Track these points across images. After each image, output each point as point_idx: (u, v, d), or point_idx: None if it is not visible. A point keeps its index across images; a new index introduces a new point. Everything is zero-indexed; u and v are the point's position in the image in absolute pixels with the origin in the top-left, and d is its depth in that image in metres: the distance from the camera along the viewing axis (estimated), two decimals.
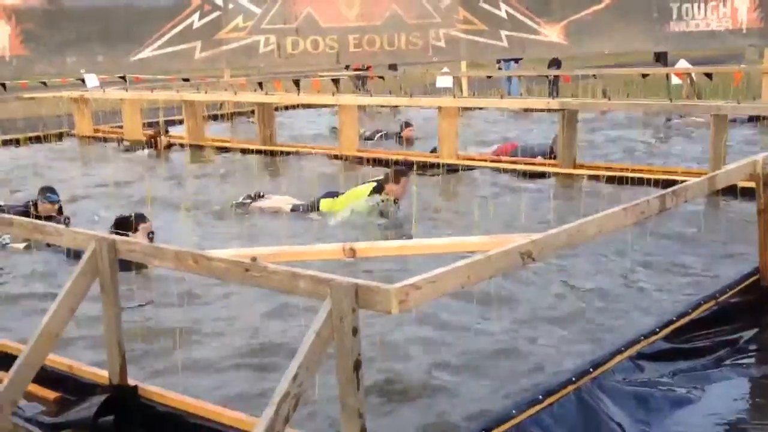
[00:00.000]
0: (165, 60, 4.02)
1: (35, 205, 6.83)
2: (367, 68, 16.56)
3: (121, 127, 12.54)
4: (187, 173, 9.59)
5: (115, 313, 3.35)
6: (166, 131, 11.37)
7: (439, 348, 4.12)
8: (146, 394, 3.41)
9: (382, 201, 6.87)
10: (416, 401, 3.58)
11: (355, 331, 2.65)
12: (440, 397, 3.60)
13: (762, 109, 10.49)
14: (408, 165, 8.37)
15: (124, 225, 5.54)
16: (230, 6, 4.05)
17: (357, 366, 2.62)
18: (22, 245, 6.25)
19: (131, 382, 3.42)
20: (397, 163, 9.18)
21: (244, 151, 10.70)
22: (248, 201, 7.47)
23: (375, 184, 7.03)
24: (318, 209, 7.11)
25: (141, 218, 5.72)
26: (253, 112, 11.66)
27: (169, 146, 11.12)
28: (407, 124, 11.83)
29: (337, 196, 7.20)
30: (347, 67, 16.67)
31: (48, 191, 7.02)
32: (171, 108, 12.98)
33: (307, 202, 7.28)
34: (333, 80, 15.64)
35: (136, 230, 5.57)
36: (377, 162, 9.48)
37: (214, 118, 13.88)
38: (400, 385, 3.71)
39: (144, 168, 9.86)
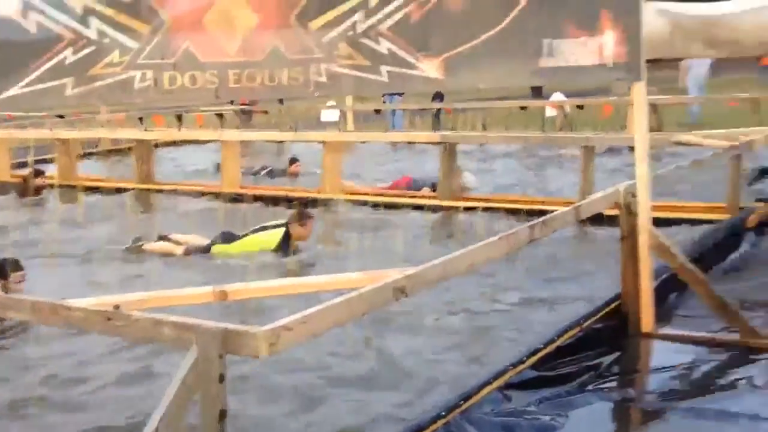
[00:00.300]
0: (34, 97, 3.88)
1: None
2: (253, 103, 16.52)
3: None
4: (58, 217, 9.15)
5: None
6: (42, 173, 10.84)
7: (306, 382, 4.11)
8: None
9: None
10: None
11: (221, 377, 2.62)
12: None
13: (627, 139, 11.06)
14: (303, 203, 8.20)
15: None
16: (105, 41, 3.97)
17: (222, 415, 2.58)
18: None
19: None
20: (288, 200, 9.14)
21: (119, 190, 10.38)
22: (139, 243, 7.19)
23: (283, 229, 6.90)
24: (206, 252, 6.92)
25: (13, 265, 5.49)
26: (130, 149, 11.40)
27: (40, 189, 10.51)
28: (293, 160, 11.81)
29: (231, 240, 6.98)
30: (232, 102, 16.58)
31: None
32: (43, 147, 12.51)
33: (202, 244, 7.06)
34: (217, 115, 15.55)
35: (6, 278, 5.34)
36: (260, 199, 9.43)
37: (89, 155, 13.44)
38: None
39: (12, 214, 9.39)
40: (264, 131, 12.90)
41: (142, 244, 7.19)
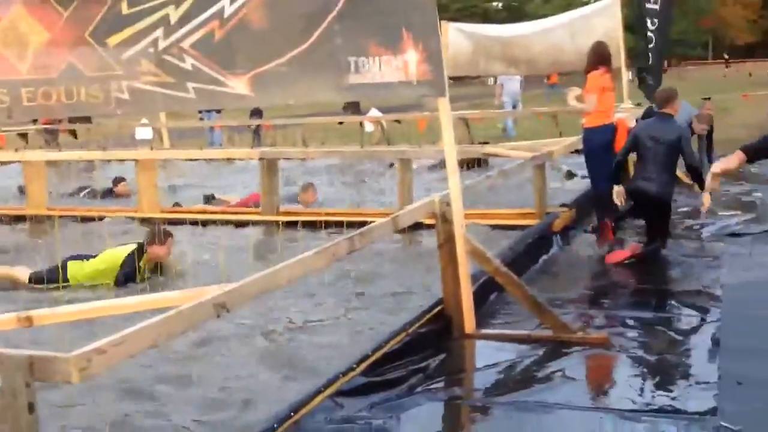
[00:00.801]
0: None
1: None
2: (59, 121, 15.63)
3: None
4: None
5: None
6: None
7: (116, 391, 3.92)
8: None
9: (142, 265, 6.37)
10: None
11: (31, 407, 2.42)
12: None
13: (441, 152, 11.51)
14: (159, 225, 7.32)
15: None
16: None
17: None
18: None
19: None
20: (101, 218, 8.69)
21: None
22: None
23: (135, 245, 6.47)
24: (65, 276, 6.30)
25: None
26: None
27: None
28: (120, 179, 11.13)
29: (87, 259, 6.47)
30: (35, 121, 15.60)
31: None
32: None
33: (49, 268, 6.44)
34: (20, 135, 14.57)
35: None
36: (66, 218, 8.92)
37: None
38: None
39: None
40: (71, 151, 12.20)
41: None
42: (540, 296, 5.02)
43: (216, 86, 4.53)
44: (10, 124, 14.20)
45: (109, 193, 11.04)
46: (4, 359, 2.42)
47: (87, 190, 11.19)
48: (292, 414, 3.47)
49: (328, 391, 3.81)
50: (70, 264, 6.39)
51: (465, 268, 4.95)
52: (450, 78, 4.96)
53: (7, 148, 12.96)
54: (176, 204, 9.90)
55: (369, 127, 16.86)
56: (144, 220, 8.73)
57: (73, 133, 16.12)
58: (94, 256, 6.50)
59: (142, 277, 6.36)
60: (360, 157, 11.62)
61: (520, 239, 6.77)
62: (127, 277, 6.31)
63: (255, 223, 8.47)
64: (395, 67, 4.68)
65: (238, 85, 4.57)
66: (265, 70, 4.59)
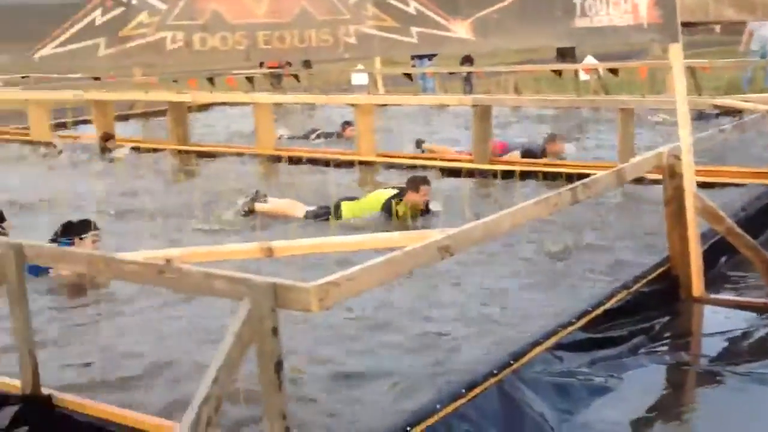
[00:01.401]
0: (67, 58, 3.86)
1: None
2: (284, 65, 16.42)
3: (26, 128, 12.09)
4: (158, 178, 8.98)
5: (24, 320, 3.19)
6: (111, 136, 10.63)
7: (357, 341, 4.08)
8: (62, 403, 3.26)
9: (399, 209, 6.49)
10: (336, 395, 3.53)
11: (275, 331, 2.59)
12: (362, 393, 3.56)
13: (666, 102, 10.86)
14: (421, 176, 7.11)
15: (71, 230, 5.37)
16: (133, 1, 3.93)
17: (279, 367, 2.56)
18: None
19: (45, 391, 3.26)
20: (339, 165, 9.05)
21: (155, 151, 10.41)
22: (246, 207, 6.87)
23: (393, 191, 6.64)
24: (337, 214, 6.59)
25: (89, 225, 5.47)
26: (165, 111, 11.41)
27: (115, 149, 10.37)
28: (348, 123, 11.30)
29: (357, 200, 6.76)
30: (261, 65, 16.50)
31: None
32: (79, 108, 12.58)
33: (322, 207, 6.73)
34: (247, 78, 15.50)
35: (82, 238, 5.32)
36: (296, 161, 9.40)
37: (125, 118, 13.54)
38: (317, 381, 3.66)
39: (102, 174, 9.17)
40: (295, 94, 12.80)
41: (253, 204, 6.88)
42: None
43: (439, 30, 4.51)
44: (238, 68, 15.15)
45: (337, 136, 11.32)
46: (252, 286, 2.59)
47: (317, 132, 11.54)
48: (511, 362, 3.47)
49: (547, 344, 3.76)
50: (344, 204, 6.70)
51: (694, 227, 4.67)
52: None
53: (237, 91, 13.81)
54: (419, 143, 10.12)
55: (584, 75, 16.23)
56: (362, 163, 9.01)
57: (296, 77, 16.88)
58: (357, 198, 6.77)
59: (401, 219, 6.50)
60: (576, 106, 11.23)
61: (755, 199, 6.28)
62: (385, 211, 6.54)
63: (468, 171, 8.44)
64: (624, 9, 4.44)
65: (461, 29, 4.52)
66: (488, 13, 4.49)
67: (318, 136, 11.34)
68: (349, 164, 9.12)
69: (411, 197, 6.57)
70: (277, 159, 9.65)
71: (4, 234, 6.12)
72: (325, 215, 6.61)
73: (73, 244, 5.26)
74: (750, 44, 16.76)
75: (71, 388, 3.54)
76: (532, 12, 4.46)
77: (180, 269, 2.79)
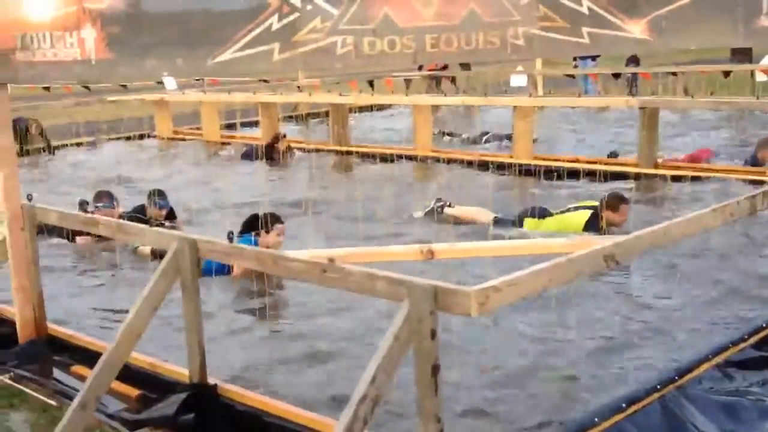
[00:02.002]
0: (245, 62, 4.08)
1: (143, 209, 6.55)
2: (443, 68, 16.49)
3: (199, 128, 12.85)
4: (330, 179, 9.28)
5: (196, 311, 3.39)
6: (284, 136, 10.93)
7: (516, 354, 4.05)
8: (226, 392, 3.45)
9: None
10: (492, 407, 3.51)
11: (433, 333, 2.61)
12: (519, 405, 3.53)
13: None
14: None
15: (255, 224, 5.52)
16: (308, 7, 4.08)
17: (435, 370, 2.58)
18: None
19: (211, 380, 3.46)
20: (480, 163, 8.97)
21: (318, 151, 10.71)
22: (439, 207, 6.86)
23: (591, 212, 6.21)
24: (519, 226, 6.37)
25: (275, 218, 5.60)
26: (327, 113, 11.77)
27: (285, 152, 10.62)
28: None
29: (544, 216, 6.42)
30: (420, 68, 16.65)
31: (157, 196, 6.60)
32: (247, 110, 13.22)
33: (508, 216, 6.57)
34: (405, 80, 15.71)
35: (268, 231, 5.48)
36: (452, 162, 9.43)
37: (289, 119, 14.10)
38: (468, 390, 3.65)
39: (274, 176, 9.61)
40: (454, 96, 12.83)
41: (442, 208, 6.85)
42: None
43: (612, 30, 4.37)
44: (398, 71, 15.36)
45: (508, 138, 10.88)
46: (413, 287, 2.62)
47: (488, 135, 11.37)
48: (676, 378, 3.32)
49: (715, 360, 3.57)
50: (527, 220, 6.42)
51: None
52: None
53: (395, 93, 14.02)
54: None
55: (761, 76, 15.21)
56: (518, 166, 8.90)
57: (453, 80, 16.92)
58: (551, 214, 6.45)
59: None
60: (754, 109, 10.57)
61: None
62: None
63: (635, 175, 8.13)
64: None
65: (636, 28, 4.36)
66: (666, 11, 4.31)
67: (488, 140, 11.09)
68: (506, 167, 9.03)
69: (610, 217, 6.08)
70: (435, 160, 9.72)
71: (170, 218, 6.50)
72: (512, 226, 6.37)
73: (258, 236, 5.41)
74: None
75: (236, 379, 3.72)
76: (713, 8, 4.25)
77: (342, 269, 2.87)
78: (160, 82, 11.98)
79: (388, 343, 2.62)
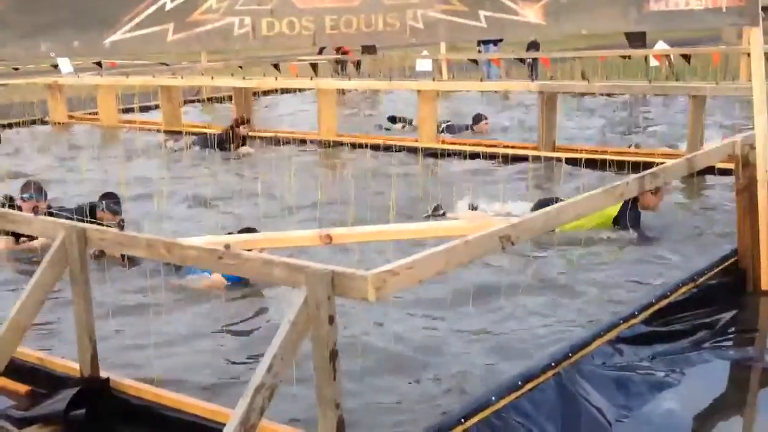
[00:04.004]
0: (137, 43, 3.93)
1: (92, 210, 5.98)
2: (345, 52, 16.43)
3: (96, 113, 12.41)
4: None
5: (86, 303, 3.27)
6: (246, 120, 10.05)
7: (415, 333, 4.07)
8: (119, 386, 3.34)
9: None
10: (394, 389, 3.53)
11: (331, 319, 2.60)
12: (419, 384, 3.56)
13: (741, 89, 10.49)
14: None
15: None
16: None
17: (333, 355, 2.57)
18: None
19: (103, 374, 3.35)
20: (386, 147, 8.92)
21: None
22: (440, 214, 6.25)
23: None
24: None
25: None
26: (230, 97, 11.55)
27: (245, 138, 9.74)
28: (482, 117, 10.59)
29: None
30: (321, 51, 16.55)
31: (112, 201, 6.08)
32: (146, 94, 12.83)
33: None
34: (311, 65, 15.59)
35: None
36: (358, 146, 9.41)
37: (191, 102, 13.77)
38: (378, 372, 3.66)
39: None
40: (358, 80, 12.81)
41: (442, 215, 6.22)
42: None
43: (508, 14, 4.42)
44: (303, 54, 15.23)
45: (466, 129, 10.65)
46: (310, 273, 2.59)
47: (447, 124, 10.77)
48: (570, 354, 3.41)
49: (607, 336, 3.69)
50: None
51: (766, 218, 4.52)
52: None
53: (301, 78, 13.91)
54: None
55: (654, 61, 15.79)
56: (424, 150, 8.96)
57: (358, 64, 16.88)
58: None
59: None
60: (647, 93, 10.97)
61: None
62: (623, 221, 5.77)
63: (533, 158, 8.32)
64: None
65: (531, 13, 4.43)
66: None
67: (443, 130, 10.52)
68: (412, 151, 9.08)
69: (649, 199, 5.76)
70: (339, 144, 9.68)
71: (121, 227, 6.07)
72: None
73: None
74: None
75: (129, 372, 3.60)
76: None
77: (239, 255, 2.82)
78: (56, 66, 11.48)
79: (284, 330, 2.59)
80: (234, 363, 3.85)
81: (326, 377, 2.56)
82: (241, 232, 4.78)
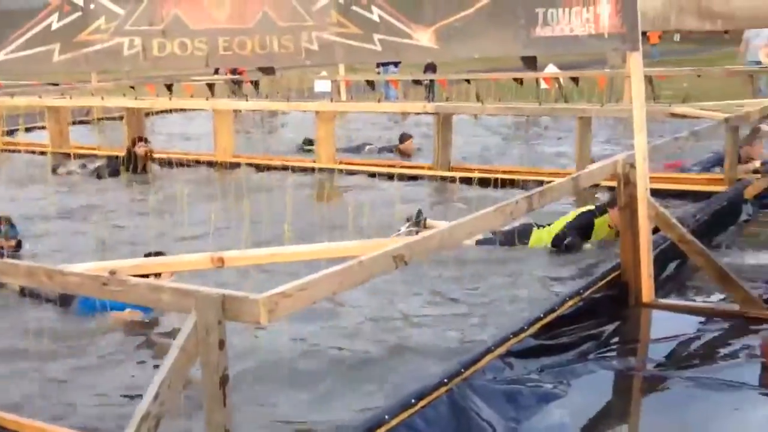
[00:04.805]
0: (22, 63, 3.81)
1: None
2: (240, 72, 16.33)
3: None
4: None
5: None
6: (145, 140, 9.68)
7: (304, 355, 4.07)
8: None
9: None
10: (281, 410, 3.52)
11: (222, 344, 2.57)
12: (308, 405, 3.55)
13: (624, 111, 11.01)
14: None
15: None
16: (91, 6, 3.90)
17: (224, 381, 2.54)
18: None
19: None
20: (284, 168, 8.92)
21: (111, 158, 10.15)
22: (414, 230, 6.09)
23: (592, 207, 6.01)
24: (523, 241, 5.90)
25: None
26: (122, 117, 11.27)
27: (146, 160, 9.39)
28: (406, 136, 10.58)
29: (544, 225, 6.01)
30: (216, 71, 16.39)
31: (8, 225, 5.96)
32: (32, 115, 12.34)
33: (500, 233, 5.93)
34: (208, 85, 15.39)
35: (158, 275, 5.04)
36: (258, 168, 9.34)
37: (81, 123, 13.33)
38: (264, 394, 3.64)
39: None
40: (256, 101, 12.73)
41: (417, 231, 5.98)
42: (727, 267, 4.71)
43: (402, 38, 4.51)
44: (198, 74, 15.04)
45: (390, 150, 10.67)
46: (200, 297, 2.56)
47: (369, 146, 10.88)
48: (462, 370, 3.48)
49: (498, 351, 3.78)
50: (536, 232, 6.00)
51: (646, 234, 4.74)
52: None
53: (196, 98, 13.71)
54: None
55: (544, 84, 16.37)
56: (321, 171, 8.99)
57: (256, 85, 16.79)
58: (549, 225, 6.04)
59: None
60: (537, 114, 11.36)
61: (707, 206, 6.39)
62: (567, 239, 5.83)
63: (429, 177, 8.48)
64: (585, 18, 4.51)
65: (423, 37, 4.53)
66: (451, 21, 4.52)
67: (369, 151, 10.67)
68: (310, 171, 9.09)
69: (616, 216, 5.46)
70: (236, 166, 9.59)
71: (18, 249, 5.85)
72: (509, 243, 5.91)
73: None
74: (746, 55, 15.84)
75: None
76: (494, 21, 4.50)
77: (125, 281, 2.76)
78: None
79: (173, 357, 2.55)
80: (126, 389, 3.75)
81: (217, 403, 2.53)
82: (147, 255, 4.53)
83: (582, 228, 5.92)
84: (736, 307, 4.55)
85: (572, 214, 6.11)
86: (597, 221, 5.97)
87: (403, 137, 10.66)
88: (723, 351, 4.06)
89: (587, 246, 5.90)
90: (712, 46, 28.71)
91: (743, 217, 6.76)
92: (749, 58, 15.69)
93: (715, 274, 4.69)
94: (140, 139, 9.70)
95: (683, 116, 9.06)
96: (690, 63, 18.19)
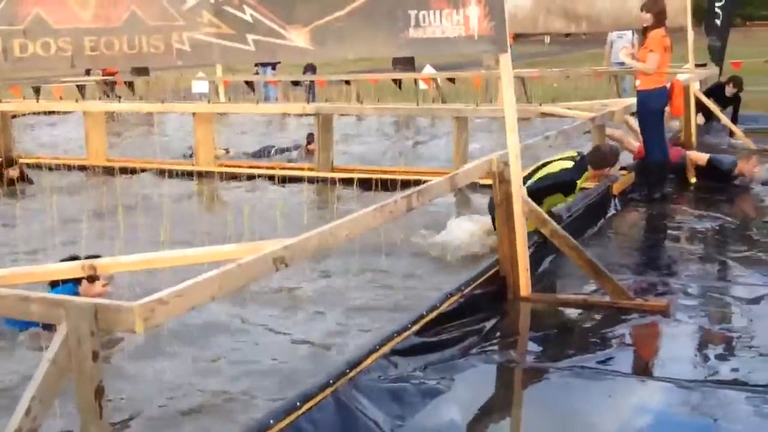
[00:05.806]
0: None
1: None
2: (112, 73, 15.78)
3: None
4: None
5: None
6: (16, 162, 9.00)
7: (185, 361, 3.98)
8: None
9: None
10: (168, 419, 3.42)
11: (95, 355, 2.46)
12: (193, 413, 3.47)
13: (498, 111, 11.32)
14: None
15: None
16: None
17: (99, 393, 2.43)
18: None
19: None
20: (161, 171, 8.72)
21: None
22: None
23: (579, 156, 6.12)
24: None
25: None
26: None
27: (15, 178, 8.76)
28: (312, 137, 10.03)
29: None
30: (88, 72, 15.77)
31: None
32: None
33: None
34: (78, 86, 14.78)
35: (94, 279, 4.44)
36: (133, 171, 9.04)
37: None
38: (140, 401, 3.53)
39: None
40: (130, 102, 12.32)
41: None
42: (598, 261, 4.92)
43: (275, 39, 4.47)
44: (68, 76, 14.41)
45: (302, 151, 10.49)
46: (70, 307, 2.45)
47: (275, 148, 10.67)
48: (347, 371, 3.48)
49: (383, 350, 3.80)
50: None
51: (521, 230, 4.89)
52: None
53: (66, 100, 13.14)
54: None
55: (423, 85, 16.64)
56: (200, 174, 8.80)
57: (131, 86, 16.25)
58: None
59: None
60: (416, 114, 11.53)
61: (577, 202, 6.65)
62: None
63: (310, 179, 8.45)
64: (456, 21, 4.60)
65: (298, 37, 4.50)
66: (325, 22, 4.52)
67: (276, 152, 10.47)
68: (188, 175, 8.88)
69: (595, 175, 6.24)
70: (110, 170, 9.25)
71: None
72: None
73: (80, 285, 4.37)
74: (611, 56, 16.32)
75: None
76: (368, 22, 4.52)
77: None
78: None
79: (43, 370, 2.42)
80: None
81: (92, 416, 2.43)
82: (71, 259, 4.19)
83: (565, 188, 6.09)
84: (607, 298, 4.75)
85: (556, 166, 6.16)
86: (578, 182, 6.16)
87: (309, 138, 10.53)
88: (596, 340, 4.23)
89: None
90: (574, 47, 29.97)
91: (612, 212, 7.09)
92: (613, 59, 16.16)
93: (586, 267, 4.89)
94: (9, 163, 9.02)
95: (552, 115, 9.44)
96: (559, 64, 18.96)
